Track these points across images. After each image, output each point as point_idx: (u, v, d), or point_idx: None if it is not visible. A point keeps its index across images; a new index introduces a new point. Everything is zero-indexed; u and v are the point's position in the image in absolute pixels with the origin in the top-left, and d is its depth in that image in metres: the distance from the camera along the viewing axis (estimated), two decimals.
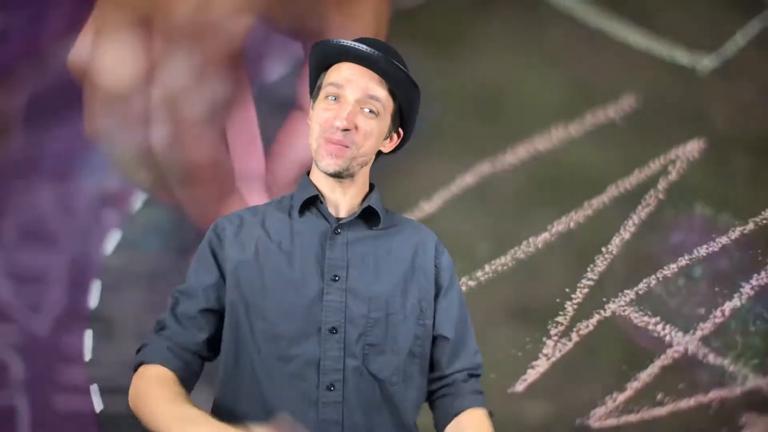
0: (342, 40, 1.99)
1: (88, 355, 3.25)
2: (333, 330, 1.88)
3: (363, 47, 1.97)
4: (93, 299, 3.26)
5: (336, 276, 1.92)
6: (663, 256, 3.49)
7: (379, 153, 2.09)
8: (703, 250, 3.49)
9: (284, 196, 2.10)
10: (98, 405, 3.22)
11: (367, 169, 2.07)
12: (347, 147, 1.95)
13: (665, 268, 3.47)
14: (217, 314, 1.95)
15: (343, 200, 2.03)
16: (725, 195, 3.55)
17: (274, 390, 1.86)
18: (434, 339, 1.99)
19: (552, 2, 3.72)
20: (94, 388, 3.22)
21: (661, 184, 3.56)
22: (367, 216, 2.03)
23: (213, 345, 1.95)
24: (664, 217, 3.53)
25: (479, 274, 3.43)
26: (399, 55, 2.07)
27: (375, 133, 1.99)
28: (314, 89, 2.08)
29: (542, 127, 3.54)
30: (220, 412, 1.89)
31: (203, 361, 1.96)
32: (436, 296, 2.02)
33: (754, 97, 3.63)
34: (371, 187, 2.11)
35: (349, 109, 1.96)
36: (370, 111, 1.98)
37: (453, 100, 3.56)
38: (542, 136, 3.55)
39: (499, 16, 3.69)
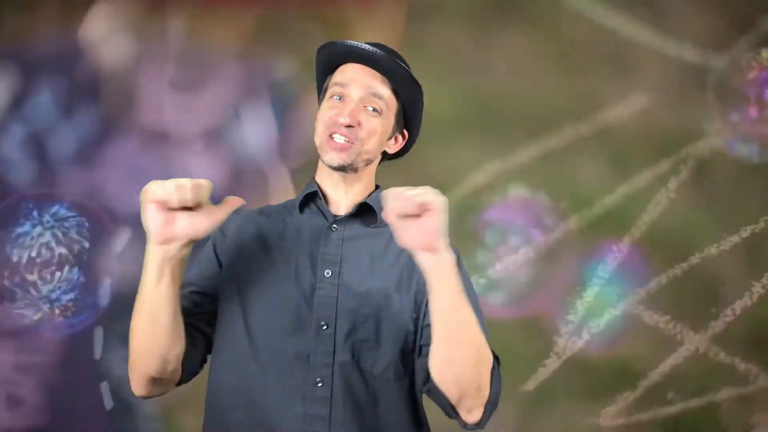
0: (346, 41, 2.04)
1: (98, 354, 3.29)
2: (324, 325, 1.89)
3: (366, 47, 2.02)
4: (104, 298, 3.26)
5: (329, 271, 1.94)
6: (673, 254, 3.49)
7: (385, 155, 2.12)
8: (713, 249, 3.48)
9: (293, 198, 2.12)
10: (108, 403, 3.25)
11: (372, 169, 2.09)
12: (352, 143, 1.99)
13: (676, 267, 3.47)
14: (211, 299, 1.96)
15: (345, 198, 2.05)
16: (736, 194, 3.54)
17: (264, 382, 1.87)
18: (422, 330, 1.94)
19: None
20: (104, 386, 3.26)
21: (672, 183, 3.55)
22: (366, 214, 2.04)
23: (208, 322, 1.95)
24: (674, 216, 3.51)
25: (490, 272, 3.43)
26: (402, 57, 2.10)
27: (379, 130, 2.02)
28: (321, 91, 2.12)
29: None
30: (211, 402, 1.93)
31: (203, 337, 1.95)
32: None
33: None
34: (377, 187, 2.12)
35: (352, 107, 2.00)
36: (374, 109, 2.01)
37: None
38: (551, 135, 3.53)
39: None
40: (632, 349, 3.42)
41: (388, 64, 2.02)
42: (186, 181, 1.70)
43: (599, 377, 3.41)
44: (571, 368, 3.38)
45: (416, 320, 1.93)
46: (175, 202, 1.69)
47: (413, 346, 1.93)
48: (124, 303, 3.24)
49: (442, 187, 2.03)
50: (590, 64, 3.63)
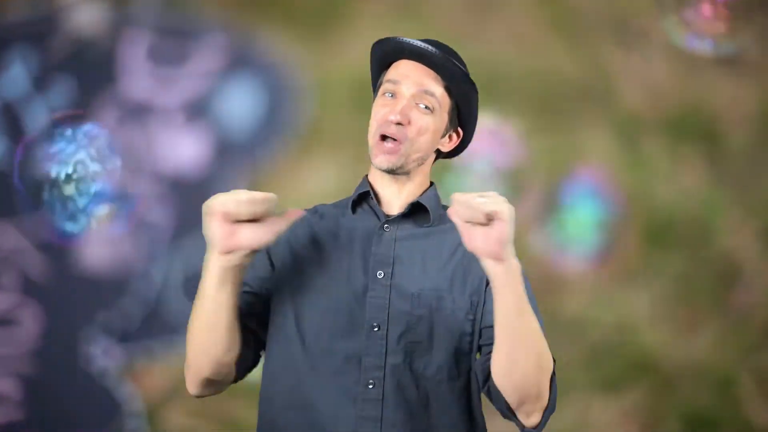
0: (399, 38, 2.04)
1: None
2: (376, 327, 1.92)
3: (418, 43, 2.02)
4: None
5: (381, 272, 1.96)
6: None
7: (440, 153, 2.13)
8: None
9: (346, 198, 2.12)
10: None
11: (425, 168, 2.09)
12: (400, 143, 1.99)
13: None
14: (263, 300, 2.00)
15: (398, 198, 2.06)
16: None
17: (315, 384, 1.91)
18: (481, 331, 1.95)
19: None
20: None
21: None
22: (419, 213, 2.04)
23: (260, 323, 2.00)
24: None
25: None
26: (457, 54, 2.09)
27: (430, 128, 2.02)
28: (375, 88, 2.14)
29: None
30: (264, 403, 1.97)
31: (254, 337, 1.99)
32: (486, 287, 1.96)
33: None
34: (432, 184, 2.13)
35: (403, 104, 2.00)
36: (426, 107, 2.01)
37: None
38: None
39: None
40: (651, 338, 3.34)
41: (440, 61, 2.01)
42: (256, 196, 1.75)
43: (617, 367, 3.33)
44: (590, 358, 3.32)
45: (473, 321, 1.95)
46: (242, 216, 1.75)
47: (470, 347, 1.95)
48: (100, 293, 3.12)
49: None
50: (596, 30, 3.55)
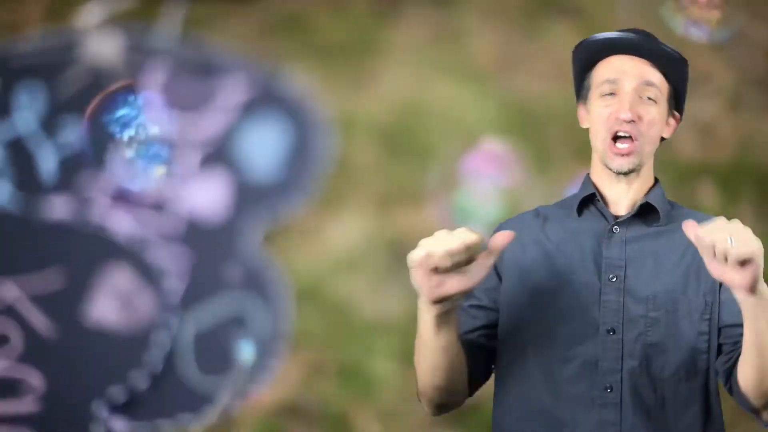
0: (605, 34, 2.08)
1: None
2: (611, 331, 1.95)
3: (629, 35, 2.06)
4: None
5: (613, 276, 1.98)
6: None
7: (660, 139, 2.12)
8: None
9: (569, 197, 2.14)
10: None
11: (651, 160, 2.09)
12: (635, 141, 2.00)
13: None
14: (490, 312, 2.04)
15: (625, 197, 2.07)
16: None
17: (551, 391, 1.95)
18: (720, 330, 1.98)
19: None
20: None
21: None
22: (648, 212, 2.05)
23: (488, 335, 2.04)
24: None
25: None
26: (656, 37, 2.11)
27: (657, 119, 2.05)
28: (581, 91, 2.14)
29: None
30: (498, 412, 2.03)
31: (482, 351, 2.03)
32: (720, 286, 1.98)
33: None
34: (656, 180, 2.12)
35: (629, 100, 2.01)
36: (649, 98, 2.03)
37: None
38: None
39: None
40: None
41: (652, 48, 2.06)
42: (460, 246, 1.71)
43: None
44: None
45: (709, 321, 1.97)
46: (448, 267, 1.72)
47: (707, 346, 1.97)
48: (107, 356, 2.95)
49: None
50: None
